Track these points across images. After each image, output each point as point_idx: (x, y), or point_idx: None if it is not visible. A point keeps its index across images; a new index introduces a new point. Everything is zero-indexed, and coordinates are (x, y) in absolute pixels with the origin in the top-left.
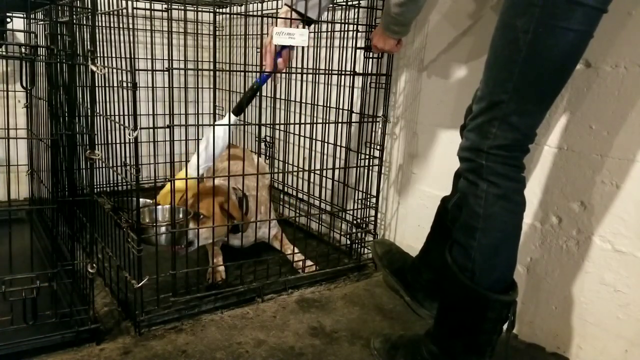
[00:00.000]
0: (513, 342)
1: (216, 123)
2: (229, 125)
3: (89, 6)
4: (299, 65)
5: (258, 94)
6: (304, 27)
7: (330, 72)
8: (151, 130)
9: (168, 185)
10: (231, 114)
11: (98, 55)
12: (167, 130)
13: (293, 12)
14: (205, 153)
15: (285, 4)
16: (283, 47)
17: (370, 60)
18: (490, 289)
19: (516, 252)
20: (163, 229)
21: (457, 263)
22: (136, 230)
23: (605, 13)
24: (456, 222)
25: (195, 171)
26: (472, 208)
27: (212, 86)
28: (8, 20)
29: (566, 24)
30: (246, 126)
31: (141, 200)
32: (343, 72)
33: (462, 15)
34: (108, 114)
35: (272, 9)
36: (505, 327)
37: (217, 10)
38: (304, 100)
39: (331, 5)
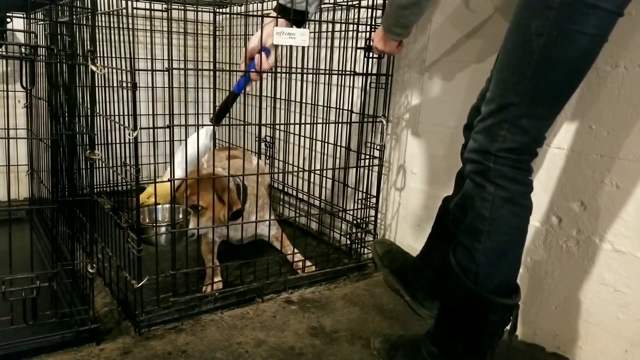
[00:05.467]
0: (513, 342)
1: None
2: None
3: (89, 6)
4: (299, 65)
5: (258, 94)
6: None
7: (330, 72)
8: (151, 130)
9: (150, 188)
10: (211, 123)
11: (98, 55)
12: (167, 130)
13: (283, 14)
14: (183, 157)
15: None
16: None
17: (371, 60)
18: (493, 292)
19: (521, 256)
20: (163, 229)
21: (460, 265)
22: (136, 230)
23: (622, 17)
24: (458, 222)
25: (177, 174)
26: (478, 210)
27: (212, 86)
28: (8, 20)
29: (581, 27)
30: (246, 126)
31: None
32: (343, 72)
33: (465, 17)
34: (108, 114)
35: (271, 9)
36: (507, 329)
37: (217, 10)
38: (304, 100)
39: (331, 5)
